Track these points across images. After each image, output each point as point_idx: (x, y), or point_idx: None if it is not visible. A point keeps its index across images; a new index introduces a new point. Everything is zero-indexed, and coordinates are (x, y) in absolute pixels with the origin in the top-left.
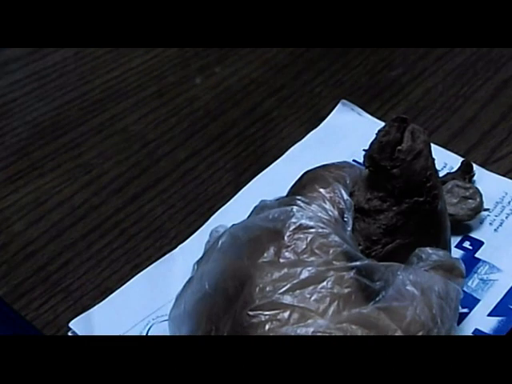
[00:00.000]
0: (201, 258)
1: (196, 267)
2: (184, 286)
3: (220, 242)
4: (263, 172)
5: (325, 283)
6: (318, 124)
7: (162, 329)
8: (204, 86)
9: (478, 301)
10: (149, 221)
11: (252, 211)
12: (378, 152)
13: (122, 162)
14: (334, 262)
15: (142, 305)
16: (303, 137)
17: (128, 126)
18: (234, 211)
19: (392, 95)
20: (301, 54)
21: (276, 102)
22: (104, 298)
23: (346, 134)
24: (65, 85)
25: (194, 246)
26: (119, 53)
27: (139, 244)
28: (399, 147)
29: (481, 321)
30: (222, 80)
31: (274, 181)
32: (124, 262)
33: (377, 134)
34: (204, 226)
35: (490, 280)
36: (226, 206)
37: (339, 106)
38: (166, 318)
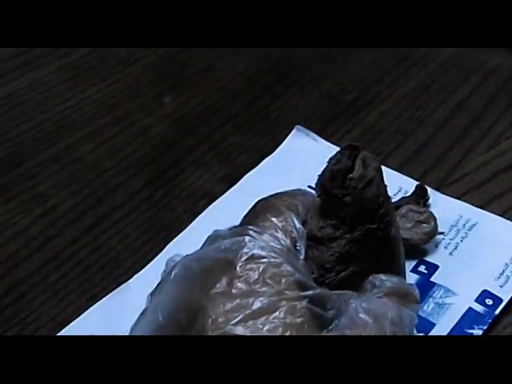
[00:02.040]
0: (155, 289)
1: (150, 298)
2: (138, 318)
3: (173, 274)
4: (218, 200)
5: (277, 313)
6: (274, 150)
7: None
8: (159, 113)
9: (434, 325)
10: (104, 251)
11: (205, 241)
12: (329, 180)
13: (78, 192)
14: (287, 292)
15: None
16: (259, 163)
17: (84, 155)
18: (190, 240)
19: (347, 120)
20: (256, 79)
21: (231, 129)
22: (60, 330)
23: (302, 159)
24: (19, 115)
25: (149, 276)
26: (75, 82)
27: (95, 275)
28: (350, 175)
29: None
30: (177, 107)
31: (229, 208)
32: (80, 293)
33: (328, 162)
34: (159, 256)
35: (446, 304)
36: (181, 234)
37: (294, 131)
38: None
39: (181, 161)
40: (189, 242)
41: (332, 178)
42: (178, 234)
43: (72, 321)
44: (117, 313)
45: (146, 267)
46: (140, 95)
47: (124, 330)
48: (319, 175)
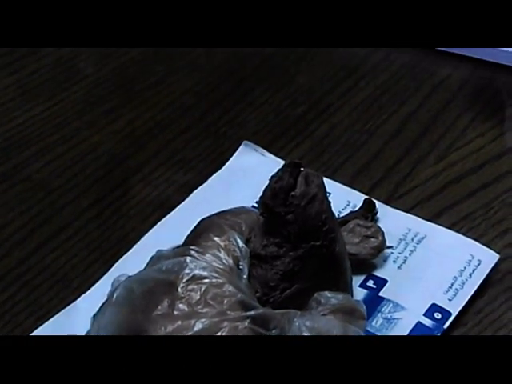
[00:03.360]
0: (98, 311)
1: (93, 321)
2: None
3: (115, 296)
4: (165, 217)
5: (219, 334)
6: (222, 166)
7: None
8: (108, 130)
9: None
10: (52, 271)
11: (149, 261)
12: (271, 198)
13: (25, 212)
14: (229, 312)
15: None
16: (208, 179)
17: (31, 174)
18: (137, 259)
19: (297, 133)
20: (206, 94)
21: (181, 144)
22: None
23: (250, 175)
24: None
25: (96, 296)
26: (22, 100)
27: (43, 295)
28: (293, 193)
29: None
30: (127, 124)
31: (176, 226)
32: (27, 315)
33: (270, 179)
34: (106, 276)
35: (394, 319)
36: (127, 254)
37: (242, 147)
38: None
39: (129, 178)
40: (136, 261)
41: (274, 196)
42: (125, 253)
43: None
44: (64, 334)
45: (93, 287)
46: (88, 112)
47: None
48: (262, 193)
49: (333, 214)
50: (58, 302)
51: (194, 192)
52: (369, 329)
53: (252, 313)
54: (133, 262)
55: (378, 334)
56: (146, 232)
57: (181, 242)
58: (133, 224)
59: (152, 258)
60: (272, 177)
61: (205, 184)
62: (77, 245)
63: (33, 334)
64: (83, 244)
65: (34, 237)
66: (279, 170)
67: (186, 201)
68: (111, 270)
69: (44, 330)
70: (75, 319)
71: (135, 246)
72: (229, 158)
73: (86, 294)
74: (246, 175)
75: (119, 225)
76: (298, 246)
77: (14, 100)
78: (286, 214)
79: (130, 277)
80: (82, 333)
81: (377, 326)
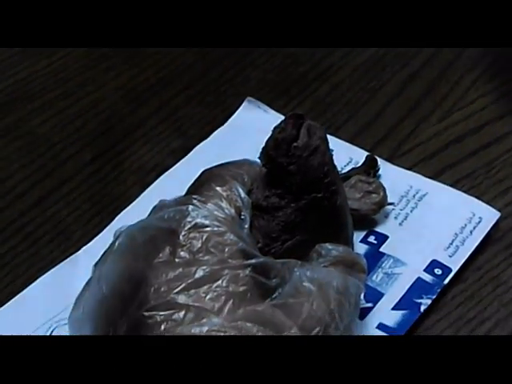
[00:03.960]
0: (99, 259)
1: (94, 269)
2: (83, 289)
3: (117, 244)
4: (168, 171)
5: (220, 282)
6: (225, 122)
7: (64, 332)
8: (110, 86)
9: (383, 295)
10: (53, 224)
11: (151, 211)
12: (273, 149)
13: (27, 166)
14: (230, 261)
15: (45, 308)
16: (210, 135)
17: (33, 128)
18: (139, 212)
19: (299, 92)
20: (207, 52)
21: (183, 101)
22: (7, 302)
23: (252, 131)
24: None
25: (98, 248)
26: (24, 55)
27: (44, 247)
28: (295, 144)
29: (385, 315)
30: (129, 80)
31: (178, 180)
32: (28, 266)
33: (273, 130)
34: (108, 228)
35: (395, 274)
36: (130, 206)
37: (245, 103)
38: None
39: (131, 134)
40: (138, 213)
41: (276, 147)
42: (127, 206)
43: (19, 292)
44: (64, 285)
45: (95, 239)
46: (90, 68)
47: (72, 302)
48: (264, 144)
49: (335, 167)
50: (59, 253)
51: (197, 146)
52: (369, 283)
53: (253, 261)
54: (135, 214)
55: (379, 288)
56: (148, 186)
57: (183, 194)
58: (135, 178)
59: (154, 207)
60: (275, 128)
61: (208, 139)
62: (79, 198)
63: (33, 284)
64: (85, 197)
65: (35, 190)
66: (282, 121)
67: (189, 155)
68: (113, 222)
69: (44, 281)
70: (76, 269)
71: (138, 199)
72: (231, 115)
73: (88, 245)
74: (249, 131)
75: (121, 179)
76: (299, 198)
77: (16, 55)
78: (288, 165)
79: (132, 225)
80: (82, 284)
81: (377, 280)
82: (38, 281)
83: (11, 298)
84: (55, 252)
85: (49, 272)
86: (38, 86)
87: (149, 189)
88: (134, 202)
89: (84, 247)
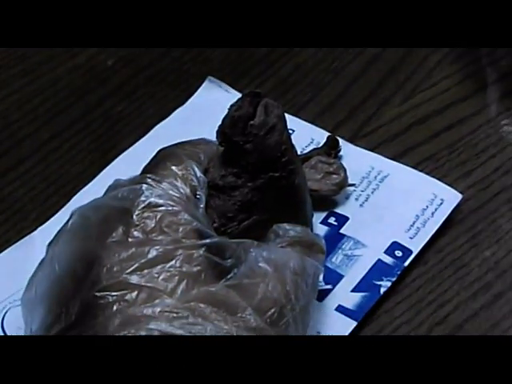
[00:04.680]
0: (53, 239)
1: (48, 249)
2: (36, 269)
3: (70, 223)
4: (126, 151)
5: (173, 262)
6: (186, 102)
7: (18, 313)
8: (68, 65)
9: (342, 277)
10: (9, 203)
11: (106, 191)
12: (229, 127)
13: None
14: (184, 240)
15: None
16: (170, 114)
17: None
18: (96, 192)
19: (261, 71)
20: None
21: (143, 80)
22: None
23: (213, 111)
24: None
25: (53, 228)
26: None
27: None
28: (251, 122)
29: (344, 297)
30: (88, 58)
31: (136, 160)
32: None
33: (229, 108)
34: (64, 208)
35: (355, 256)
36: (87, 186)
37: (206, 82)
38: None
39: (90, 113)
40: (95, 194)
41: (232, 125)
42: (84, 186)
43: None
44: (19, 265)
45: (51, 220)
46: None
47: (25, 283)
48: (220, 122)
49: (293, 146)
50: (15, 233)
51: (157, 126)
52: (329, 265)
53: (207, 241)
54: (92, 195)
55: (338, 270)
56: (106, 166)
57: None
58: (92, 158)
59: (109, 186)
60: (231, 106)
61: (168, 118)
62: (36, 177)
63: None
64: (42, 177)
65: None
66: (238, 99)
67: (146, 135)
68: (69, 202)
69: (0, 260)
70: (31, 250)
71: (94, 180)
72: (192, 95)
73: (44, 225)
74: (210, 110)
75: (78, 158)
76: (256, 177)
77: None
78: (244, 144)
79: (85, 204)
80: (37, 262)
81: (337, 262)
82: None
83: None
84: (11, 232)
85: (3, 252)
86: None
87: (106, 168)
88: (91, 183)
89: (40, 227)
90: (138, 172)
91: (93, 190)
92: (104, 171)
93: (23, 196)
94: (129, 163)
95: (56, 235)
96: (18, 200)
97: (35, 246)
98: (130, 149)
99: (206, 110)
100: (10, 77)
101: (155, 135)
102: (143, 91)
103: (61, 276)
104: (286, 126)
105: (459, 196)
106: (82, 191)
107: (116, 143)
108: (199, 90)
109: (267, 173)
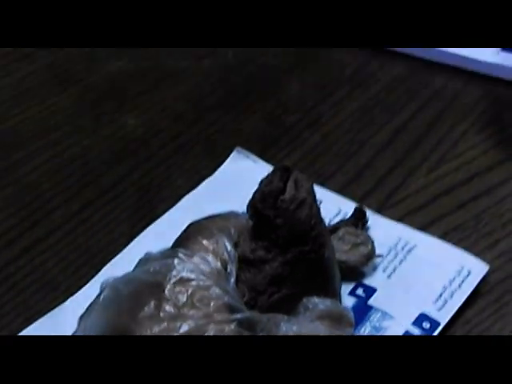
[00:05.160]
0: (84, 312)
1: (79, 322)
2: None
3: (102, 297)
4: (156, 222)
5: None
6: (214, 172)
7: None
8: (99, 135)
9: None
10: (40, 274)
11: (137, 264)
12: (260, 201)
13: (14, 214)
14: (215, 315)
15: None
16: (198, 185)
17: (21, 177)
18: (126, 263)
19: (288, 142)
20: (197, 101)
21: (172, 151)
22: None
23: (241, 181)
24: None
25: (84, 299)
26: (14, 102)
27: (30, 298)
28: (282, 197)
29: None
30: (118, 129)
31: (166, 231)
32: (14, 316)
33: (260, 183)
34: (95, 279)
35: (382, 327)
36: (117, 257)
37: (234, 153)
38: None
39: (119, 183)
40: (124, 264)
41: (263, 199)
42: (113, 257)
43: None
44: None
45: (81, 290)
46: (79, 117)
47: None
48: (251, 196)
49: (322, 220)
50: (46, 304)
51: (185, 197)
52: None
53: (238, 316)
54: (121, 265)
55: None
56: (136, 236)
57: (168, 247)
58: (122, 229)
59: (140, 260)
60: (262, 180)
61: (195, 190)
62: (65, 248)
63: (20, 334)
64: (72, 247)
65: (22, 238)
66: (269, 173)
67: (175, 206)
68: (100, 273)
69: (31, 331)
70: (62, 321)
71: (124, 250)
72: (220, 165)
73: (74, 296)
74: (238, 181)
75: (108, 229)
76: (286, 251)
77: (6, 102)
78: (274, 218)
79: (117, 278)
80: (69, 334)
81: (365, 334)
82: (23, 332)
83: None
84: (42, 302)
85: (35, 323)
86: (27, 134)
87: (136, 239)
88: (120, 253)
89: (70, 298)
90: (168, 243)
91: (122, 261)
92: (133, 242)
93: (53, 267)
94: (158, 234)
95: (88, 308)
96: (49, 270)
97: (66, 315)
98: (159, 220)
99: (234, 180)
100: (40, 147)
101: (184, 205)
102: (172, 162)
103: None
104: (315, 199)
105: (486, 267)
106: (111, 262)
107: (145, 213)
108: (227, 161)
109: (297, 246)
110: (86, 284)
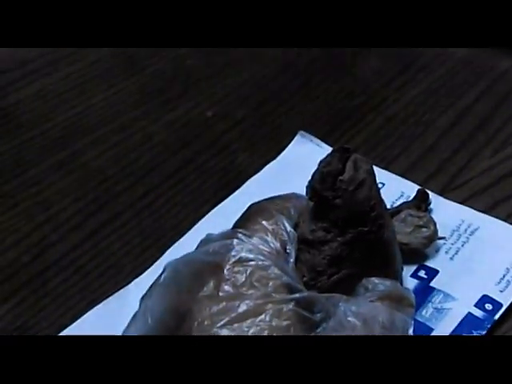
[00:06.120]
0: (146, 292)
1: (141, 302)
2: (129, 322)
3: (162, 277)
4: (219, 205)
5: (263, 316)
6: (278, 156)
7: None
8: (164, 120)
9: (432, 330)
10: (105, 257)
11: (198, 245)
12: (319, 182)
13: (81, 199)
14: (273, 295)
15: None
16: (262, 169)
17: (87, 162)
18: (189, 245)
19: (352, 125)
20: (262, 85)
21: (236, 135)
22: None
23: (305, 165)
24: (26, 123)
25: (148, 282)
26: (81, 89)
27: (95, 280)
28: (341, 177)
29: None
30: (183, 114)
31: (229, 214)
32: (79, 299)
33: (319, 164)
34: (158, 261)
35: (445, 309)
36: (181, 240)
37: (297, 137)
38: None
39: (184, 168)
40: (188, 247)
41: (322, 181)
42: (178, 240)
43: (69, 325)
44: (114, 317)
45: (145, 273)
46: (145, 102)
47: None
48: (310, 178)
49: (382, 201)
50: (111, 287)
51: (249, 181)
52: (418, 318)
53: (296, 295)
54: (185, 248)
55: (428, 323)
56: (200, 219)
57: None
58: (186, 212)
59: (201, 241)
60: (321, 161)
61: (259, 173)
62: (130, 232)
63: (83, 317)
64: (137, 231)
65: (88, 223)
66: (328, 154)
67: (239, 189)
68: (164, 255)
69: (94, 313)
70: (126, 304)
71: (188, 233)
72: (284, 148)
73: (138, 279)
74: (301, 165)
75: (173, 213)
76: (345, 232)
77: (73, 90)
78: (333, 199)
79: (177, 259)
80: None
81: (426, 315)
82: (88, 314)
83: (62, 331)
84: (107, 285)
85: (99, 305)
86: (93, 120)
87: (199, 222)
88: (184, 236)
89: (134, 280)
90: (230, 226)
91: (186, 244)
92: (197, 225)
93: (118, 250)
94: (221, 217)
95: (149, 289)
96: (114, 254)
97: (130, 298)
98: (223, 203)
99: (297, 164)
100: (107, 133)
101: (247, 189)
102: (236, 146)
103: (153, 329)
104: (375, 180)
105: None
106: (175, 245)
107: (209, 198)
108: (291, 145)
109: (356, 227)
110: (149, 267)
